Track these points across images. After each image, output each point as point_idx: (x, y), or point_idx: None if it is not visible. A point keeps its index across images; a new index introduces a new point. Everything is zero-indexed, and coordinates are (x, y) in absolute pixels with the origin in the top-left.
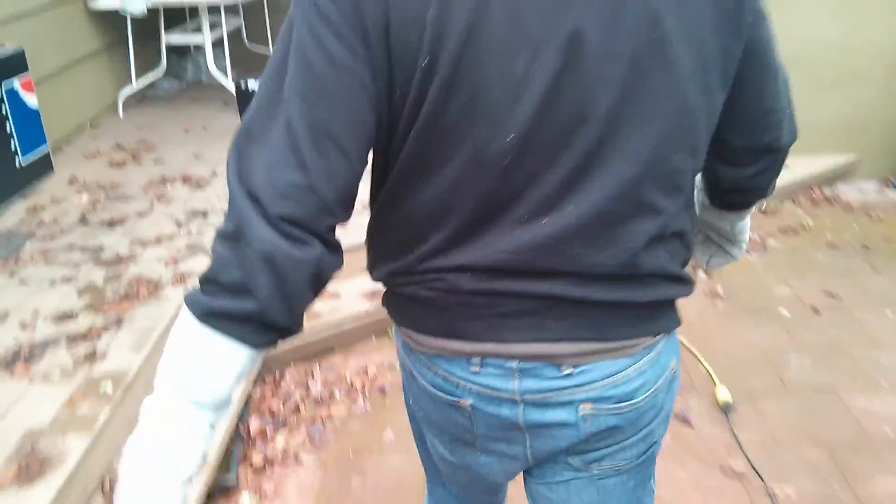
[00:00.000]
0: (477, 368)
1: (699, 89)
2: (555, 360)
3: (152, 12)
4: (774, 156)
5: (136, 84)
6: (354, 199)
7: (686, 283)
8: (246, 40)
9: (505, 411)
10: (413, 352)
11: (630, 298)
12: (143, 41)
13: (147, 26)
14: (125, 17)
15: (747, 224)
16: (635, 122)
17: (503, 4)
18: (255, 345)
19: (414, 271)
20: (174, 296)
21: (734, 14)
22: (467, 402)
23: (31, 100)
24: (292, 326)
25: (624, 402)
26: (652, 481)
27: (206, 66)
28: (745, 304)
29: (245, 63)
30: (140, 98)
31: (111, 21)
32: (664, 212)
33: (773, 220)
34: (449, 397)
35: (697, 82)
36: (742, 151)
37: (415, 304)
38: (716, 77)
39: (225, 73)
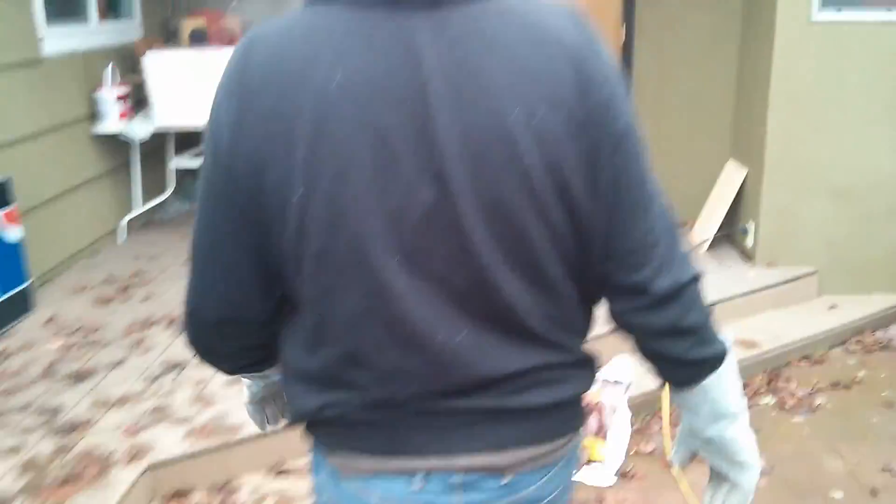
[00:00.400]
0: (419, 486)
1: (551, 220)
2: (496, 471)
3: (160, 136)
4: (646, 297)
5: (141, 209)
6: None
7: (589, 374)
8: None
9: None
10: (343, 480)
11: (555, 399)
12: (152, 164)
13: (158, 148)
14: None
15: (734, 433)
16: (508, 247)
17: (373, 144)
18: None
19: (349, 397)
20: (122, 480)
21: (596, 148)
22: None
23: (12, 233)
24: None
25: (549, 497)
26: None
27: None
28: (791, 483)
29: None
30: (146, 222)
31: (117, 144)
32: (534, 322)
33: (821, 370)
34: None
35: (553, 212)
36: (616, 287)
37: (349, 427)
38: (580, 213)
39: None
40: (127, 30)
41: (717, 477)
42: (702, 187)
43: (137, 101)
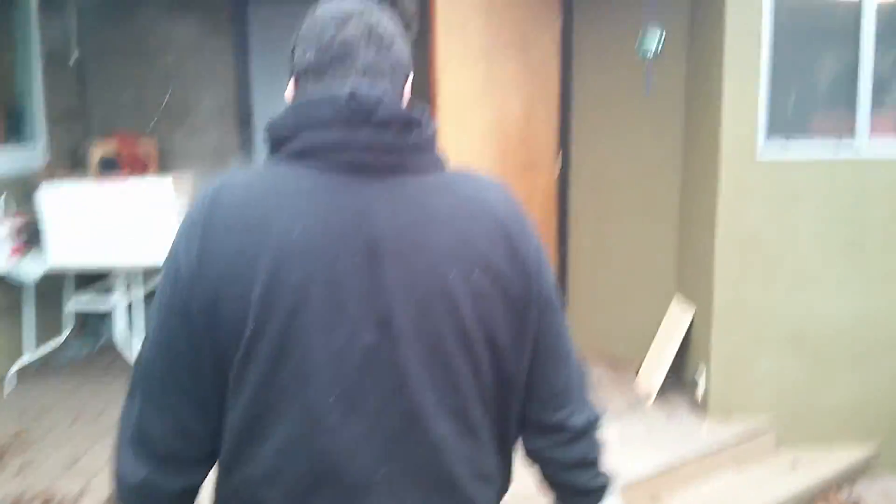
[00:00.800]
0: None
1: (481, 367)
2: None
3: (55, 277)
4: (572, 432)
5: (33, 355)
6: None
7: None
8: None
9: None
10: None
11: None
12: (49, 302)
13: (55, 285)
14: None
15: None
16: (440, 390)
17: (324, 290)
18: None
19: None
20: None
21: (522, 307)
22: None
23: None
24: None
25: None
26: None
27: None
28: None
29: None
30: (42, 365)
31: (6, 283)
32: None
33: None
34: None
35: (481, 358)
36: (537, 425)
37: None
38: (504, 362)
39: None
40: (30, 156)
41: None
42: (647, 327)
43: (35, 235)
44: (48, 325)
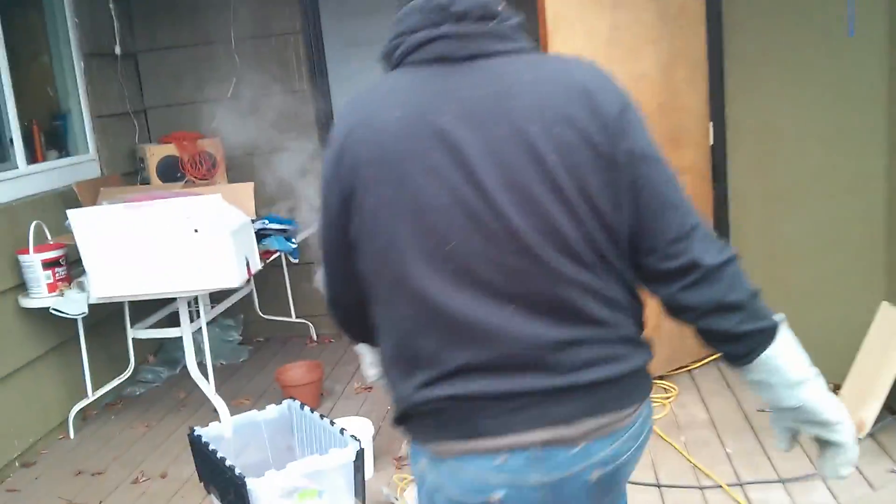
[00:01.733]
0: (502, 460)
1: (579, 210)
2: (568, 442)
3: (113, 306)
4: (699, 272)
5: (93, 396)
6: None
7: (645, 350)
8: (259, 310)
9: (531, 497)
10: (440, 463)
11: (613, 374)
12: (107, 336)
13: (112, 319)
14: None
15: (815, 394)
16: (545, 235)
17: (421, 162)
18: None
19: (429, 393)
20: None
21: (611, 159)
22: (497, 495)
23: None
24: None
25: (618, 461)
26: None
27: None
28: None
29: (259, 333)
30: (113, 400)
31: (57, 318)
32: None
33: None
34: (481, 496)
35: (578, 208)
36: (661, 274)
37: (438, 418)
38: (602, 210)
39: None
40: (76, 169)
41: (821, 445)
42: (842, 339)
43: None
44: (116, 355)
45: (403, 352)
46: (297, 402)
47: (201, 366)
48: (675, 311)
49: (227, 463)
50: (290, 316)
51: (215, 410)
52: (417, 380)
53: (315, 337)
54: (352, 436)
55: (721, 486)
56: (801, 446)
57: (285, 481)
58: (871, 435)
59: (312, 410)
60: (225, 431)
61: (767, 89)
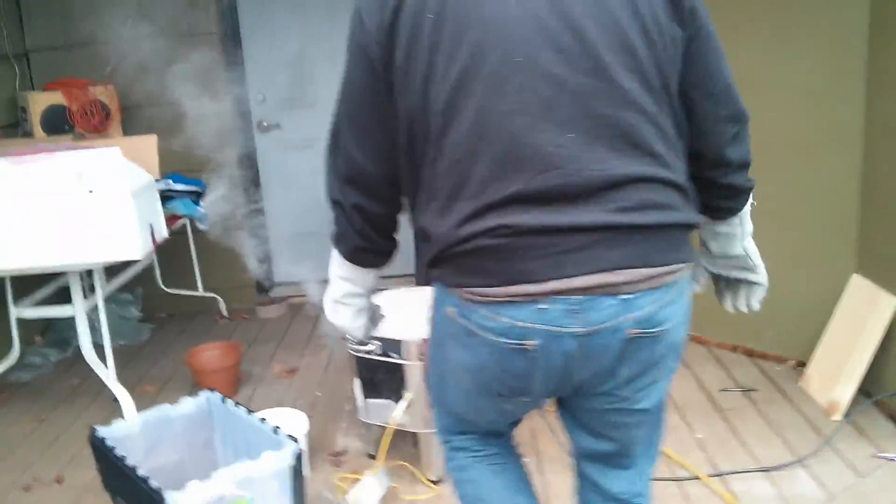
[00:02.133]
0: (544, 307)
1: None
2: (611, 290)
3: None
4: (742, 125)
5: None
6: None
7: (692, 209)
8: (161, 283)
9: (567, 346)
10: (474, 309)
11: (665, 220)
12: None
13: None
14: None
15: (751, 245)
16: (623, 55)
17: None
18: (372, 265)
19: (473, 226)
20: None
21: (678, 2)
22: (533, 342)
23: None
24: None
25: (659, 328)
26: (665, 418)
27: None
28: None
29: (161, 309)
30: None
31: None
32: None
33: None
34: (516, 341)
35: (654, 35)
36: (717, 119)
37: (479, 258)
38: (668, 36)
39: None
40: None
41: (730, 287)
42: (816, 314)
43: None
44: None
45: (447, 187)
46: (217, 395)
47: (97, 348)
48: (714, 165)
49: (140, 472)
50: (196, 290)
51: (115, 399)
52: (463, 213)
53: (225, 313)
54: (289, 436)
55: (699, 478)
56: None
57: (211, 492)
58: (848, 419)
59: (237, 404)
60: (132, 430)
61: (743, 36)
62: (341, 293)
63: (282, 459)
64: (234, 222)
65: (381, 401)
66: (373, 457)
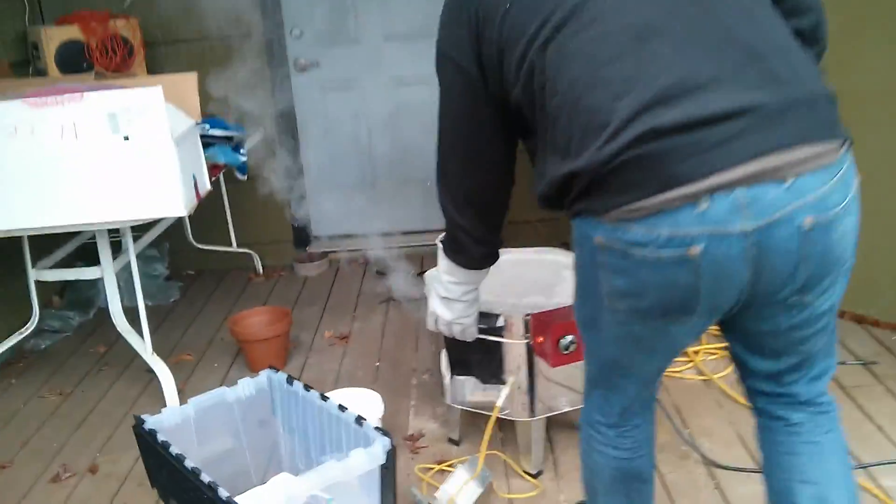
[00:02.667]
0: (705, 206)
1: None
2: (776, 175)
3: (4, 241)
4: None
5: None
6: None
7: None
8: (191, 238)
9: (735, 248)
10: (627, 228)
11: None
12: (12, 274)
13: (4, 258)
14: None
15: None
16: None
17: None
18: (491, 264)
19: (616, 143)
20: None
21: None
22: (697, 248)
23: None
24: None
25: (833, 210)
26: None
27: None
28: None
29: (188, 265)
30: (13, 357)
31: None
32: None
33: None
34: (677, 251)
35: None
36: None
37: (628, 172)
38: None
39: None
40: None
41: None
42: None
43: None
44: (12, 301)
45: (584, 111)
46: (282, 375)
47: (127, 312)
48: (811, 42)
49: (205, 478)
50: (229, 245)
51: (149, 370)
52: (605, 133)
53: (261, 270)
54: (378, 429)
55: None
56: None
57: (292, 500)
58: None
59: (308, 387)
60: (185, 418)
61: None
62: (458, 293)
63: (373, 459)
64: (269, 171)
65: (474, 381)
66: (455, 442)
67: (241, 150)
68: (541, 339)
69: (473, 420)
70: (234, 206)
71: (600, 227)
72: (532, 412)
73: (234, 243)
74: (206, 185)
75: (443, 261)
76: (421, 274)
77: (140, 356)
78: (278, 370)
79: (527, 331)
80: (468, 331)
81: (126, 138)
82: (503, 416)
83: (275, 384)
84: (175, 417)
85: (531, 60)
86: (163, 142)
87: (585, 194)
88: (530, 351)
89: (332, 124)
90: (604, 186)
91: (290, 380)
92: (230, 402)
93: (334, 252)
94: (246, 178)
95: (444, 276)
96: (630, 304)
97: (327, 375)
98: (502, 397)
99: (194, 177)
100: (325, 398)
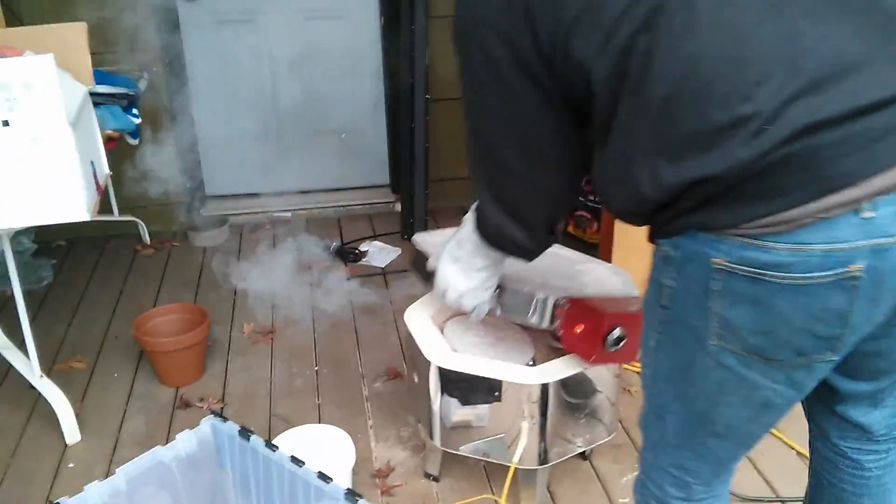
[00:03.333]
0: (870, 214)
1: None
2: None
3: None
4: None
5: None
6: None
7: None
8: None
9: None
10: (761, 246)
11: None
12: None
13: None
14: None
15: None
16: None
17: None
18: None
19: (763, 140)
20: None
21: None
22: (859, 266)
23: None
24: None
25: None
26: None
27: None
28: None
29: (59, 235)
30: None
31: None
32: None
33: None
34: (832, 272)
35: None
36: None
37: (772, 178)
38: None
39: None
40: None
41: None
42: None
43: None
44: None
45: (710, 98)
46: (231, 426)
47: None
48: None
49: None
50: (110, 213)
51: (31, 386)
52: (748, 128)
53: (148, 239)
54: (349, 491)
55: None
56: None
57: None
58: None
59: (269, 444)
60: (112, 493)
61: None
62: (482, 280)
63: None
64: (154, 122)
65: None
66: (435, 478)
67: (134, 111)
68: (580, 327)
69: (451, 458)
70: (112, 163)
71: (721, 245)
72: (544, 459)
73: (116, 210)
74: (104, 170)
75: (475, 248)
76: (408, 238)
77: (20, 373)
78: (220, 414)
79: (552, 320)
80: (481, 308)
81: (5, 123)
82: (522, 466)
83: (221, 435)
84: (101, 496)
85: (629, 34)
86: (56, 127)
87: (708, 204)
88: (544, 389)
89: (228, 65)
90: (737, 194)
91: (244, 433)
92: (167, 464)
93: (235, 215)
94: (138, 142)
95: (471, 264)
96: (754, 343)
97: (258, 388)
98: (519, 451)
99: (92, 164)
100: (297, 462)
